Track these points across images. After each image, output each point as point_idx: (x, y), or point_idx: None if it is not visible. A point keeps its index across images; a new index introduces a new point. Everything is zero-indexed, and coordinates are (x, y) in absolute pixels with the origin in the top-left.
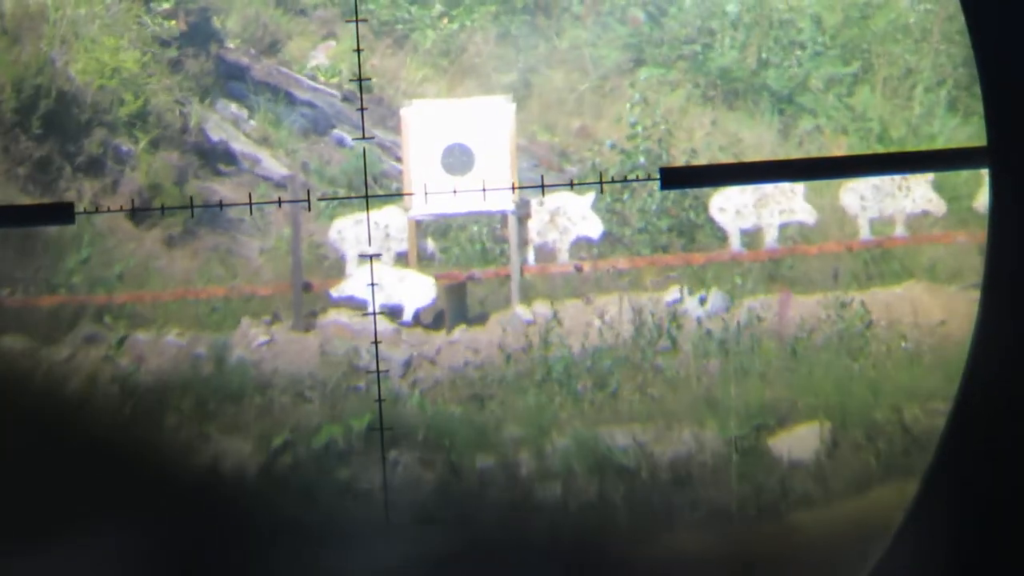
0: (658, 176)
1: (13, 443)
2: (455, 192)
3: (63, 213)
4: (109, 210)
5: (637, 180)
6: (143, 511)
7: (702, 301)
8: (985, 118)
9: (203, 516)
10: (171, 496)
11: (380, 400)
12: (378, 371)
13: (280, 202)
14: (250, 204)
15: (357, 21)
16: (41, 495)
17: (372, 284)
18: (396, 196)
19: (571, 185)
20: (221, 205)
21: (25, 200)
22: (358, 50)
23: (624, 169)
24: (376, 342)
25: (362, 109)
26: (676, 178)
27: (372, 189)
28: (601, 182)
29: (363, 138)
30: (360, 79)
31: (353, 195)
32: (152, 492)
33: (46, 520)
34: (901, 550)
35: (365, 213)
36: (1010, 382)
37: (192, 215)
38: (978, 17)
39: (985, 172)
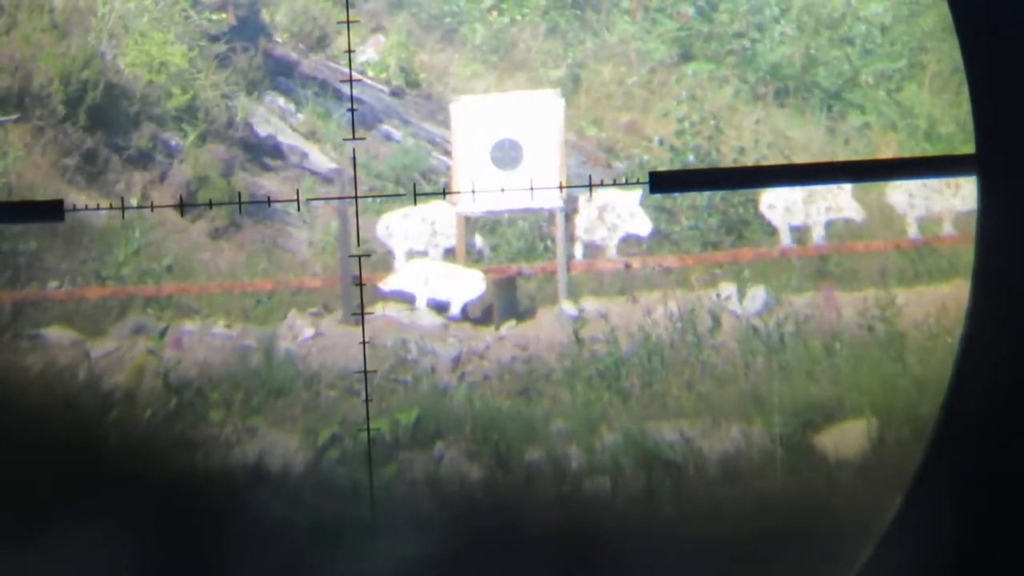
0: (647, 180)
1: (56, 432)
2: (470, 193)
3: (53, 210)
4: (84, 210)
5: (626, 183)
6: (184, 501)
7: (750, 298)
8: (973, 125)
9: (250, 507)
10: (214, 488)
11: (367, 400)
12: (365, 371)
13: (298, 201)
14: (269, 202)
15: (349, 23)
16: (82, 481)
17: (360, 286)
18: (392, 196)
19: (555, 187)
20: (240, 203)
21: (72, 192)
22: (349, 51)
23: (674, 166)
24: (364, 342)
25: (352, 110)
26: (664, 182)
27: (420, 185)
28: (591, 185)
29: (353, 138)
30: (352, 80)
31: (401, 191)
32: (194, 484)
33: (85, 505)
34: (888, 550)
35: (412, 209)
36: (998, 384)
37: (211, 207)
38: (967, 25)
39: None
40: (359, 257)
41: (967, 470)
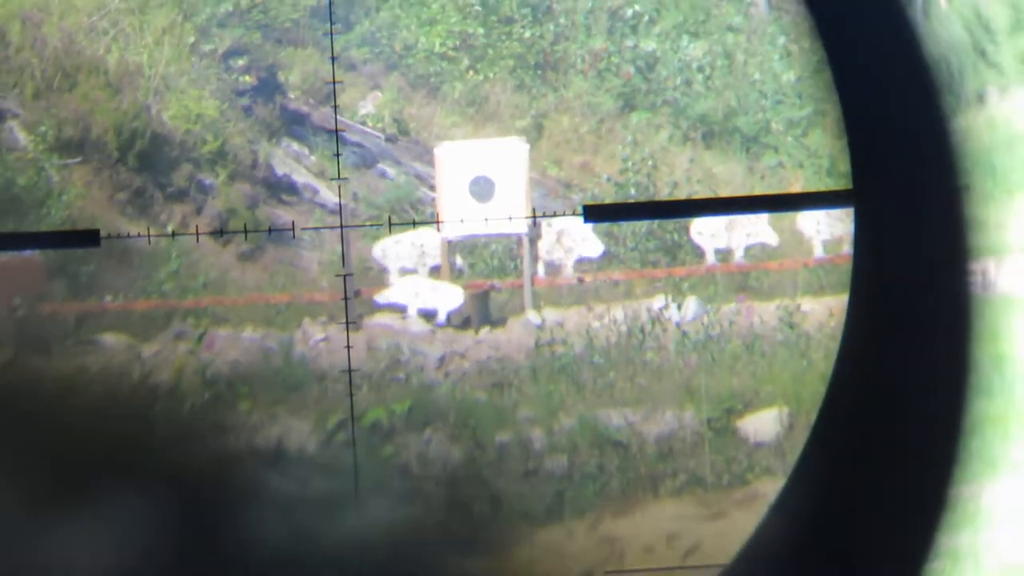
0: (581, 212)
1: (111, 420)
2: (436, 223)
3: (90, 238)
4: (133, 236)
5: (565, 215)
6: (217, 475)
7: (681, 307)
8: (851, 162)
9: (271, 481)
10: (242, 465)
11: (351, 395)
12: (349, 370)
13: (294, 228)
14: (270, 231)
15: (335, 83)
16: (132, 460)
17: (346, 298)
18: (374, 226)
19: (504, 219)
20: (246, 231)
21: (124, 222)
22: (335, 107)
23: (619, 198)
24: (348, 347)
25: (338, 154)
26: (597, 214)
27: (409, 214)
28: (535, 217)
29: (338, 178)
30: (337, 131)
31: (394, 220)
32: (225, 461)
33: (134, 479)
34: (773, 522)
35: (403, 235)
36: (868, 380)
37: (222, 235)
38: (840, 61)
39: None
40: (344, 276)
41: (843, 453)
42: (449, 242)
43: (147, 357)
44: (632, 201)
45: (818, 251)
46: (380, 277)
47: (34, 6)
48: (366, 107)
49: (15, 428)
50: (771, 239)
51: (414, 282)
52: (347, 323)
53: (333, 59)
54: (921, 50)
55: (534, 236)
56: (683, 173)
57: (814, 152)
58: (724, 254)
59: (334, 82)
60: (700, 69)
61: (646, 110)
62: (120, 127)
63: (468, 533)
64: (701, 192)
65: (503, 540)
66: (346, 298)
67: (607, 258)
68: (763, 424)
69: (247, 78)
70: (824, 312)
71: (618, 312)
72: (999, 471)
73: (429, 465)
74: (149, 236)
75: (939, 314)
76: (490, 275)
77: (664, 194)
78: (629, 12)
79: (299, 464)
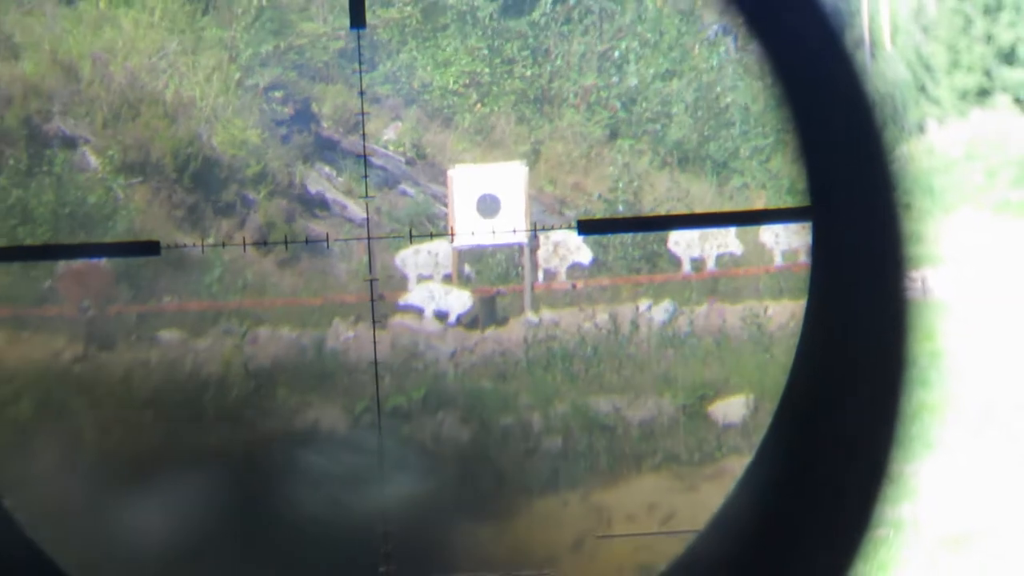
0: (576, 225)
1: (168, 406)
2: (450, 235)
3: (152, 248)
4: (187, 246)
5: (561, 228)
6: (260, 454)
7: (661, 309)
8: (807, 183)
9: (306, 458)
10: (281, 445)
11: (377, 384)
12: (376, 362)
13: (292, 239)
14: (307, 240)
15: (363, 114)
16: (187, 441)
17: (372, 300)
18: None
19: (480, 232)
20: (287, 242)
21: (179, 234)
22: (363, 135)
23: (607, 213)
24: (375, 342)
25: (365, 176)
26: (590, 227)
27: (426, 227)
28: (535, 230)
29: (365, 196)
30: (365, 155)
31: (413, 233)
32: (267, 442)
33: (189, 457)
34: (738, 501)
35: (421, 245)
36: (822, 375)
37: (265, 245)
38: (797, 97)
39: None
40: (370, 282)
41: (800, 435)
42: (459, 252)
43: (199, 351)
44: (620, 216)
45: (778, 260)
46: (401, 283)
47: (102, 48)
48: (388, 135)
49: (86, 412)
50: (737, 249)
51: (430, 287)
52: (373, 322)
53: (361, 94)
54: (868, 87)
55: (533, 247)
56: (663, 192)
57: (775, 175)
58: (698, 262)
59: (361, 113)
60: (677, 103)
61: (630, 138)
62: (176, 152)
63: (476, 502)
64: (678, 209)
65: (506, 509)
66: (372, 301)
67: (596, 265)
68: (731, 409)
69: (285, 109)
70: (784, 313)
71: (606, 313)
72: (934, 452)
73: (442, 444)
74: (203, 246)
75: (883, 315)
76: (495, 281)
77: (647, 210)
78: (616, 53)
79: (331, 444)
